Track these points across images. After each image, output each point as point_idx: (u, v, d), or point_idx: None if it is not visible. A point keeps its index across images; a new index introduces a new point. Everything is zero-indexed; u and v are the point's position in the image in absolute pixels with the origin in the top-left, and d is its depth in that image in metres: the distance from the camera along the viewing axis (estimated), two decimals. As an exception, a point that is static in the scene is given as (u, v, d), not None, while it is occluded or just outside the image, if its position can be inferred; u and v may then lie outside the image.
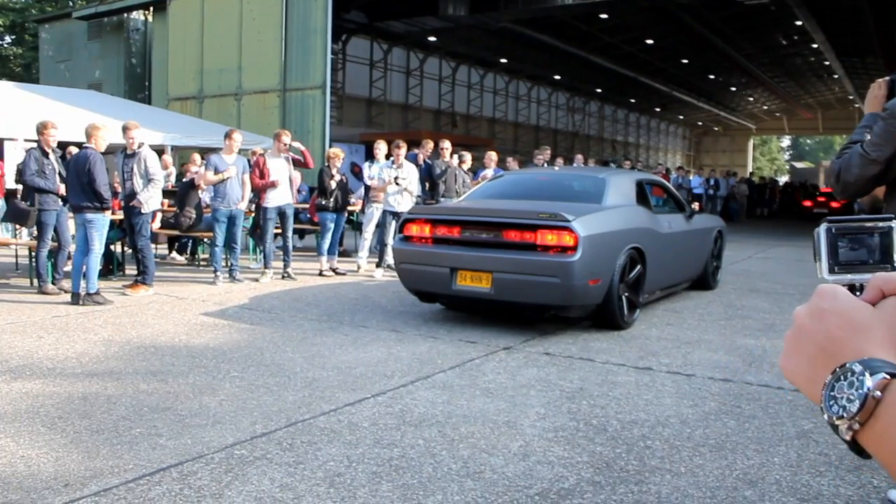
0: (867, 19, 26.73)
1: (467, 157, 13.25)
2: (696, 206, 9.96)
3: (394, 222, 10.76)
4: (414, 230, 7.54)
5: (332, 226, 10.98)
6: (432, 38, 28.75)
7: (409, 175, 11.06)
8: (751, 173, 46.92)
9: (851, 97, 46.90)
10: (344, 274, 10.84)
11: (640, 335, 7.19)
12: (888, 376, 0.63)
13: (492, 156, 13.87)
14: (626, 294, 7.41)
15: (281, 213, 10.29)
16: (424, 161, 12.68)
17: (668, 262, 8.34)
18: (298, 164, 10.77)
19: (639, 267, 7.60)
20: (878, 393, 0.62)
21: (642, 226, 7.88)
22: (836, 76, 39.85)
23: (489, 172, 13.39)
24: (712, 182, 25.99)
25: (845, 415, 0.64)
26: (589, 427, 4.52)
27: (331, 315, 7.73)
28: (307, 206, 12.75)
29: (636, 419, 4.69)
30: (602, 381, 5.52)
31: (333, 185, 10.97)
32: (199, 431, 4.25)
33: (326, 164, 11.24)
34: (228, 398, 4.88)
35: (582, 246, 6.68)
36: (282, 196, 10.24)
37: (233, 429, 4.30)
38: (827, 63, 35.52)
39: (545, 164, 15.02)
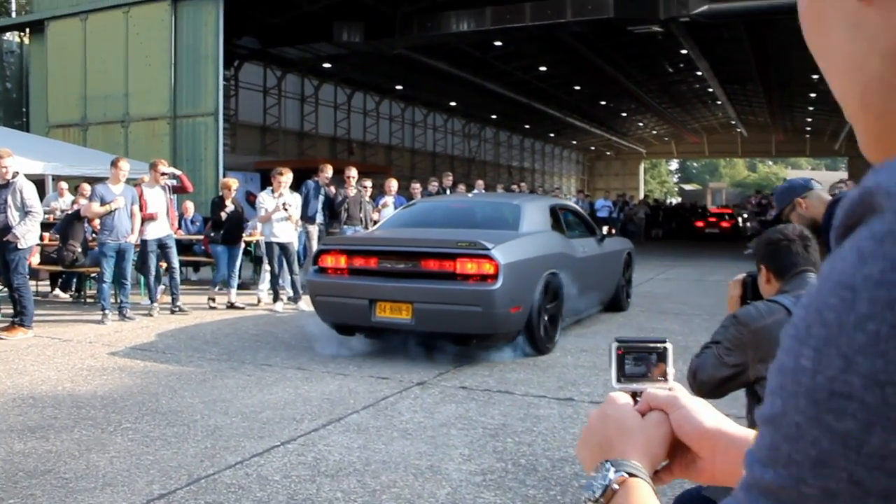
0: (746, 49, 27.89)
1: (368, 184, 12.92)
2: (605, 229, 10.01)
3: (279, 252, 10.36)
4: (329, 262, 7.35)
5: (225, 258, 10.49)
6: (327, 65, 28.33)
7: (294, 204, 10.63)
8: (645, 196, 48.22)
9: (734, 122, 48.91)
10: (242, 308, 10.32)
11: (557, 363, 7.00)
12: (626, 475, 0.79)
13: (392, 183, 13.59)
14: (546, 319, 7.35)
15: (162, 246, 9.77)
16: (325, 188, 12.27)
17: (584, 286, 8.31)
18: (178, 190, 10.28)
19: (557, 292, 7.57)
20: (616, 486, 0.79)
21: (558, 251, 7.89)
22: (719, 102, 41.40)
23: (389, 200, 13.11)
24: (617, 206, 26.59)
25: (592, 497, 0.80)
26: (518, 468, 4.25)
27: (231, 353, 7.24)
28: (202, 237, 12.15)
29: (566, 456, 4.45)
30: (525, 416, 5.27)
31: (223, 215, 10.49)
32: (86, 497, 3.75)
33: (220, 194, 10.72)
34: (120, 454, 4.38)
35: (502, 274, 6.62)
36: (161, 228, 9.75)
37: (126, 491, 3.82)
38: (710, 90, 36.84)
39: (448, 191, 14.87)
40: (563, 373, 6.64)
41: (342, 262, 7.27)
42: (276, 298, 10.44)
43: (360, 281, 7.13)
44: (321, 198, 11.80)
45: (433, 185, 14.58)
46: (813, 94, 37.70)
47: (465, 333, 6.88)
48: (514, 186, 21.34)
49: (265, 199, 10.50)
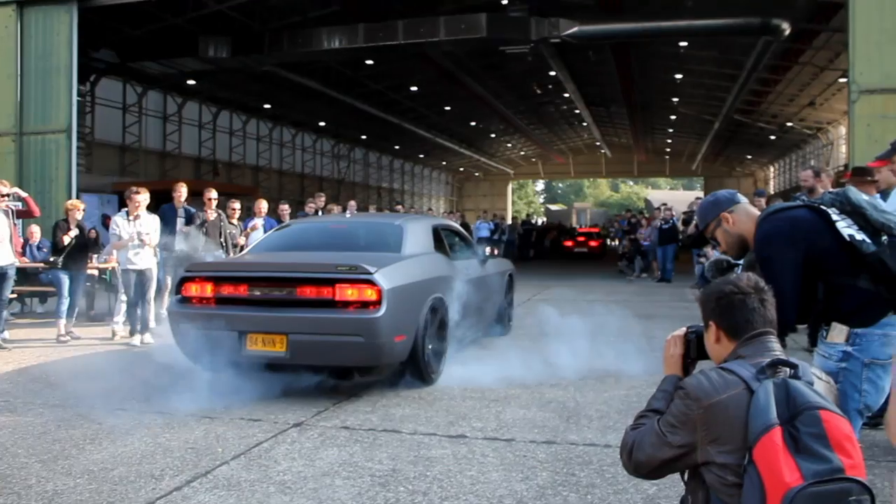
0: (612, 71, 28.62)
1: (236, 206, 12.16)
2: (488, 250, 9.66)
3: (136, 281, 9.51)
4: (194, 290, 6.63)
5: (67, 286, 9.58)
6: (192, 82, 27.11)
7: (151, 228, 9.78)
8: (514, 216, 48.81)
9: (598, 143, 50.29)
10: (78, 338, 9.42)
11: (444, 395, 6.54)
12: None
13: (261, 204, 12.90)
14: (431, 347, 6.90)
15: (1, 275, 8.78)
16: (182, 208, 11.42)
17: (469, 310, 7.89)
18: (22, 214, 9.33)
19: (442, 318, 7.16)
20: None
21: (443, 274, 7.46)
22: (585, 123, 42.43)
23: (259, 222, 12.42)
24: (494, 226, 26.55)
25: None
26: (414, 525, 3.74)
27: (79, 398, 6.35)
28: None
29: (466, 506, 3.98)
30: (415, 458, 4.77)
31: (67, 240, 9.56)
32: None
33: (64, 217, 9.77)
34: (-70, 534, 3.61)
35: (386, 300, 6.14)
36: (2, 255, 8.74)
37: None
38: (577, 111, 37.67)
39: (319, 212, 14.29)
40: (451, 405, 6.18)
41: (208, 290, 6.58)
42: (132, 332, 9.56)
43: (229, 310, 6.45)
44: (179, 220, 10.97)
45: (310, 207, 14.02)
46: (673, 117, 39.24)
47: (347, 366, 6.44)
48: (399, 207, 20.95)
49: (120, 224, 9.60)
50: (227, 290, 6.57)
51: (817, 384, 2.21)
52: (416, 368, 6.73)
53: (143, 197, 9.65)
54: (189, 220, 11.20)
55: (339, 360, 6.36)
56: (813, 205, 3.09)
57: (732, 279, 2.39)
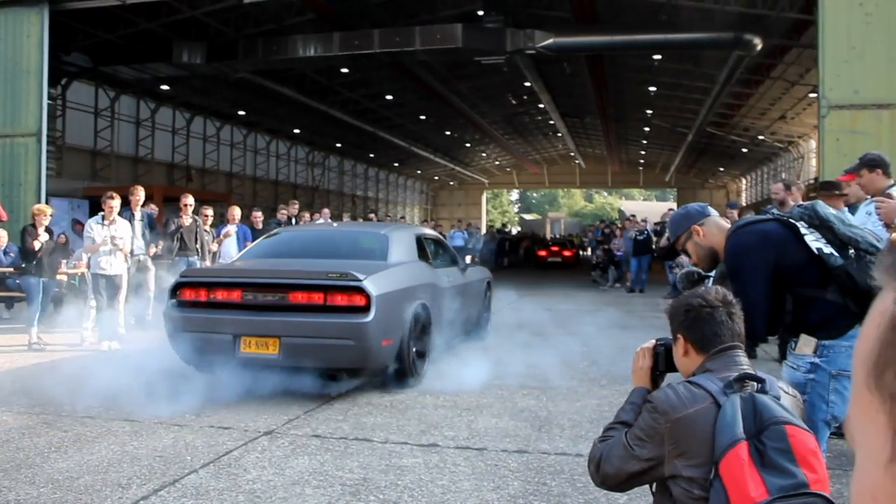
0: (586, 83, 28.79)
1: (209, 213, 12.09)
2: (469, 258, 10.00)
3: (106, 286, 9.42)
4: (188, 295, 6.95)
5: (39, 292, 9.44)
6: (165, 87, 26.85)
7: (125, 233, 9.72)
8: (489, 226, 48.86)
9: (573, 154, 50.50)
10: (46, 344, 9.30)
11: (416, 404, 6.53)
12: None
13: (234, 211, 12.83)
14: (416, 349, 7.23)
15: None
16: (146, 213, 11.32)
17: (450, 317, 8.33)
18: None
19: (425, 323, 7.51)
20: None
21: (426, 281, 7.85)
22: (559, 134, 42.57)
23: (232, 229, 12.36)
24: (468, 235, 26.63)
25: None
26: (384, 535, 3.72)
27: (45, 404, 6.27)
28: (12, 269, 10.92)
29: (437, 517, 3.96)
30: (387, 467, 4.74)
31: (38, 245, 9.43)
32: None
33: (31, 222, 9.64)
34: None
35: (375, 305, 6.45)
36: None
37: None
38: (552, 122, 37.80)
39: (292, 220, 14.26)
40: (423, 414, 6.16)
41: (202, 294, 6.87)
42: (101, 337, 9.45)
43: (223, 315, 6.73)
44: (139, 224, 10.86)
45: (282, 214, 13.96)
46: (647, 129, 39.51)
47: (336, 367, 6.71)
48: (371, 215, 20.92)
49: (94, 228, 9.51)
50: (221, 295, 6.81)
51: (784, 398, 2.22)
52: (401, 370, 6.99)
53: (118, 202, 9.61)
54: (151, 224, 11.12)
55: (330, 363, 6.61)
56: (782, 218, 3.14)
57: (701, 292, 2.39)
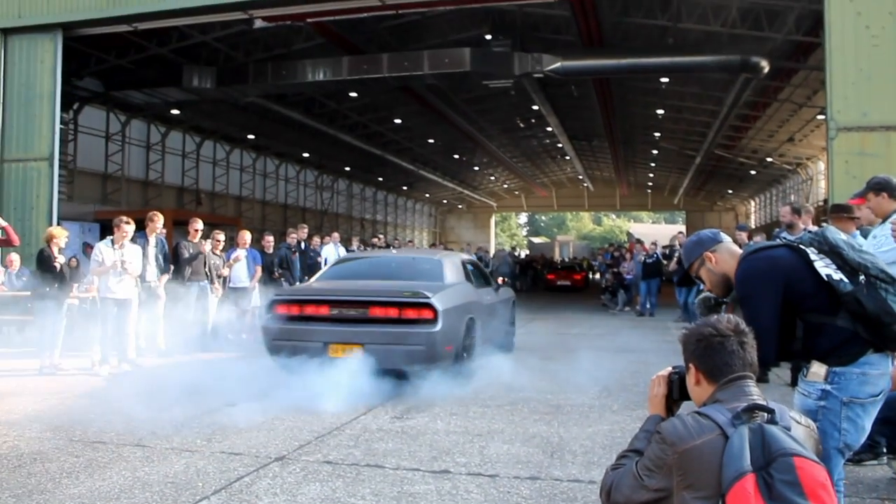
0: (594, 106, 28.88)
1: (221, 237, 12.12)
2: (500, 280, 10.73)
3: (115, 310, 9.45)
4: (283, 310, 8.32)
5: (60, 315, 9.47)
6: (175, 111, 27.09)
7: (134, 258, 9.75)
8: (499, 248, 48.83)
9: (581, 177, 50.60)
10: (60, 368, 9.30)
11: (427, 430, 6.50)
12: None
13: (245, 235, 12.89)
14: (466, 354, 8.62)
15: None
16: (159, 239, 11.33)
17: (489, 328, 9.68)
18: (1, 242, 9.26)
19: (473, 335, 8.87)
20: None
21: (472, 300, 9.22)
22: (567, 157, 42.70)
23: (241, 253, 12.41)
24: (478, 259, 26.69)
25: None
26: (397, 562, 3.70)
27: (57, 429, 6.28)
28: (28, 292, 10.96)
29: (450, 544, 3.94)
30: (398, 494, 4.72)
31: (58, 266, 9.46)
32: None
33: (46, 245, 9.68)
34: None
35: (441, 318, 7.87)
36: None
37: None
38: (560, 145, 37.92)
39: (302, 244, 14.35)
40: (434, 440, 6.14)
41: (296, 310, 8.28)
42: (103, 360, 9.46)
43: (314, 326, 8.09)
44: (152, 250, 10.85)
45: (292, 238, 14.11)
46: (655, 151, 39.58)
47: (408, 369, 7.95)
48: (374, 239, 21.00)
49: (103, 251, 9.55)
50: (311, 310, 8.21)
51: (796, 429, 2.21)
52: (457, 371, 8.32)
53: (132, 227, 9.66)
54: (164, 251, 11.10)
55: (404, 365, 7.90)
56: (792, 244, 3.14)
57: (713, 321, 2.39)
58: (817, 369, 3.04)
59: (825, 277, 2.97)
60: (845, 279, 2.97)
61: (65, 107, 19.23)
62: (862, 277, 2.98)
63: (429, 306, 7.84)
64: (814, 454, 2.14)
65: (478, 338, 9.04)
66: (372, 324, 7.91)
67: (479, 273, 10.69)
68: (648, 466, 2.22)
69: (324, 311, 8.14)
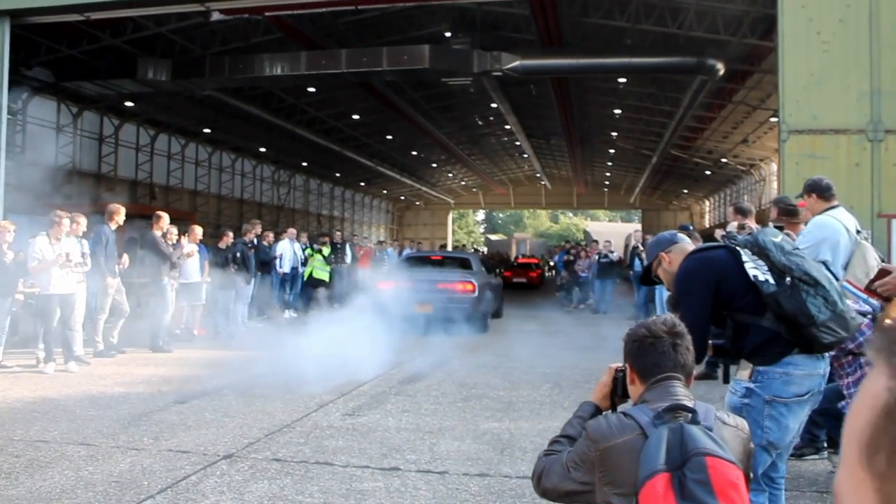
0: (552, 105, 29.01)
1: (175, 230, 11.98)
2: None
3: (58, 309, 9.23)
4: (384, 286, 12.99)
5: (6, 313, 9.25)
6: (129, 104, 26.62)
7: (74, 251, 9.50)
8: (455, 246, 48.89)
9: (539, 175, 50.81)
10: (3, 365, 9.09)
11: (378, 427, 6.47)
12: None
13: (197, 230, 12.75)
14: (486, 315, 14.35)
15: None
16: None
17: (496, 299, 16.00)
18: None
19: (491, 301, 14.94)
20: None
21: (489, 280, 15.52)
22: (525, 155, 42.81)
23: (193, 248, 12.26)
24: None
25: None
26: (343, 562, 3.66)
27: (-2, 428, 6.14)
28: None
29: (397, 543, 3.91)
30: (347, 492, 4.69)
31: (8, 262, 9.22)
32: None
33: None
34: None
35: (477, 290, 13.60)
36: None
37: None
38: (518, 143, 38.00)
39: (255, 239, 14.24)
40: (385, 437, 6.11)
41: (392, 286, 12.88)
42: (48, 358, 9.21)
43: (404, 293, 12.22)
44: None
45: (249, 235, 14.16)
46: (612, 151, 39.90)
47: (459, 319, 12.87)
48: (337, 233, 21.04)
49: (42, 246, 9.28)
50: (409, 286, 12.73)
51: (722, 429, 2.23)
52: (484, 323, 13.96)
53: (69, 222, 9.40)
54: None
55: (457, 316, 12.85)
56: (730, 245, 3.24)
57: (648, 322, 2.42)
58: (744, 368, 3.16)
59: (752, 278, 3.06)
60: (771, 280, 3.07)
61: (12, 96, 18.75)
62: (788, 279, 3.06)
63: (471, 282, 13.64)
64: (736, 454, 2.17)
65: (492, 301, 14.90)
66: (439, 292, 13.26)
67: (488, 266, 18.04)
68: (575, 460, 2.28)
69: (410, 286, 12.66)
